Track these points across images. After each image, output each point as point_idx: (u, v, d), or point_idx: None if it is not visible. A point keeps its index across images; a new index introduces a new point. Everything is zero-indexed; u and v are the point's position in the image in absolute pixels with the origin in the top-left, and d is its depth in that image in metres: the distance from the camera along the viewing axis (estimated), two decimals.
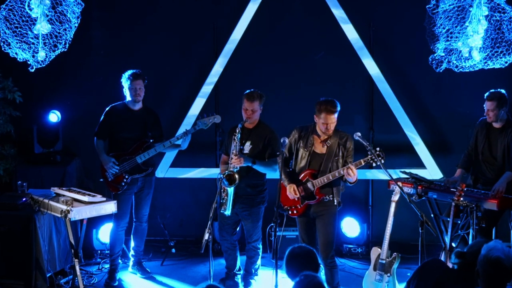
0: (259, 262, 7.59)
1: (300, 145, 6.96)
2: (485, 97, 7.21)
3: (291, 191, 6.88)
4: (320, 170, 6.81)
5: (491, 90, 7.23)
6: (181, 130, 8.59)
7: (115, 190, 7.60)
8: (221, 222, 7.45)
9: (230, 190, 7.14)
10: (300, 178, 6.89)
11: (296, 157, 7.00)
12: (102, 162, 7.60)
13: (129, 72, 7.59)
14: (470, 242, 6.76)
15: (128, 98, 7.64)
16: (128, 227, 7.86)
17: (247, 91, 7.22)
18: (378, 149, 6.66)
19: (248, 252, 7.51)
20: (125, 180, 7.57)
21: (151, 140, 7.68)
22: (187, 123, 8.67)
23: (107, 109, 7.72)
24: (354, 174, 6.61)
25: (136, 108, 7.69)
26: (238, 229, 7.57)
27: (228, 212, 7.22)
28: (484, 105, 7.23)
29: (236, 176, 7.05)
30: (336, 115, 6.75)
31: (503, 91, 7.22)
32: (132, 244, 7.98)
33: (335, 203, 6.81)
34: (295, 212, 6.96)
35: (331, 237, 6.83)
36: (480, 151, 7.37)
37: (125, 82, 7.59)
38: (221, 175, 7.11)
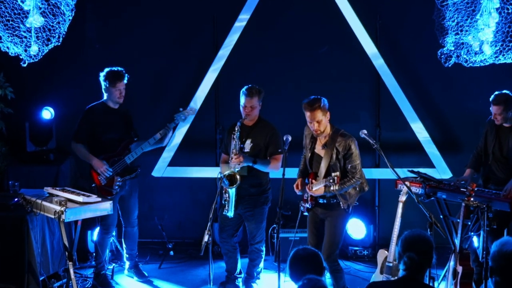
0: (261, 265, 7.58)
1: (306, 144, 6.99)
2: (490, 100, 7.20)
3: (294, 185, 6.98)
4: (318, 175, 6.85)
5: (495, 93, 7.21)
6: (180, 126, 8.61)
7: (108, 195, 7.54)
8: (222, 223, 7.44)
9: (232, 191, 7.14)
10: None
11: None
12: (95, 166, 7.54)
13: (110, 71, 7.50)
14: (480, 244, 6.76)
15: (105, 97, 7.59)
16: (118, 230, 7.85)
17: (245, 87, 7.22)
18: (335, 175, 6.63)
19: (250, 254, 7.50)
20: (117, 183, 7.56)
21: (135, 139, 7.67)
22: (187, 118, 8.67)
23: (86, 110, 7.65)
24: (314, 192, 6.73)
25: (116, 107, 7.66)
26: (239, 231, 7.57)
27: (231, 214, 7.22)
28: (490, 108, 7.23)
29: (238, 176, 7.05)
30: (319, 112, 6.71)
31: (508, 92, 7.22)
32: (124, 248, 7.96)
33: (342, 206, 6.81)
34: (302, 209, 7.05)
35: (334, 238, 6.83)
36: (491, 151, 7.36)
37: (108, 83, 7.49)
38: (222, 174, 7.10)
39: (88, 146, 7.65)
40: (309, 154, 6.95)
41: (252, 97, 7.17)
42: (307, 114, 6.76)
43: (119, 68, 7.56)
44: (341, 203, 6.79)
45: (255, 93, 7.18)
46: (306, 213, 7.05)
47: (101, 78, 7.54)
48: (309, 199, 6.86)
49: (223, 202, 7.29)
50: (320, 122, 6.74)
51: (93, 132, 7.61)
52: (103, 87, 7.56)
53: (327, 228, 6.86)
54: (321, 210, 6.90)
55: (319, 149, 6.90)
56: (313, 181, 6.83)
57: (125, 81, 7.55)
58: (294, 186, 6.99)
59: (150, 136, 7.69)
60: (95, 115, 7.61)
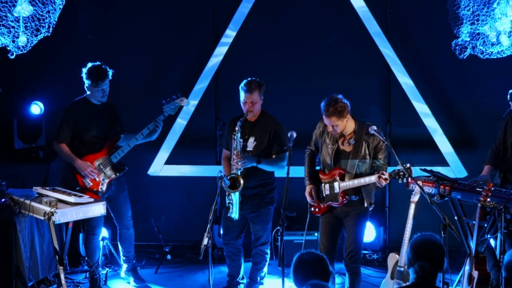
0: (265, 269, 7.57)
1: (325, 140, 6.94)
2: (508, 98, 7.16)
3: (307, 194, 6.98)
4: (347, 171, 6.83)
5: (510, 92, 7.17)
6: (178, 120, 8.59)
7: (95, 197, 7.52)
8: (226, 224, 7.42)
9: (235, 195, 7.12)
10: (327, 175, 6.92)
11: (321, 152, 7.00)
12: (78, 168, 7.50)
13: (92, 68, 7.43)
14: (498, 247, 6.74)
15: (88, 92, 7.55)
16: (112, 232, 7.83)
17: (244, 81, 7.18)
18: (407, 165, 6.64)
19: (254, 257, 7.49)
20: (103, 184, 7.54)
21: (122, 136, 7.64)
22: (185, 113, 8.65)
23: (67, 108, 7.62)
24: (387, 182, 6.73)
25: (99, 103, 7.63)
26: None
27: (235, 216, 7.21)
28: (510, 103, 7.20)
29: (241, 180, 7.03)
30: (334, 118, 6.67)
31: None
32: (121, 250, 7.95)
33: (366, 204, 6.83)
34: (317, 210, 7.04)
35: (357, 237, 6.87)
36: (510, 146, 7.33)
37: (90, 82, 7.43)
38: (222, 173, 7.07)
39: (72, 146, 7.59)
40: (332, 150, 6.90)
41: (252, 92, 7.13)
42: (325, 118, 6.75)
43: (102, 65, 7.47)
44: (365, 201, 6.82)
45: (254, 88, 7.14)
46: (318, 215, 7.04)
47: (83, 75, 7.48)
48: (340, 197, 6.83)
49: (227, 205, 7.27)
50: (338, 126, 6.73)
51: (76, 131, 7.57)
52: (85, 84, 7.51)
53: (349, 227, 6.88)
54: (341, 208, 6.90)
55: (345, 145, 6.88)
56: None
57: (109, 78, 7.48)
58: (307, 194, 6.99)
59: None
60: (77, 112, 7.56)
